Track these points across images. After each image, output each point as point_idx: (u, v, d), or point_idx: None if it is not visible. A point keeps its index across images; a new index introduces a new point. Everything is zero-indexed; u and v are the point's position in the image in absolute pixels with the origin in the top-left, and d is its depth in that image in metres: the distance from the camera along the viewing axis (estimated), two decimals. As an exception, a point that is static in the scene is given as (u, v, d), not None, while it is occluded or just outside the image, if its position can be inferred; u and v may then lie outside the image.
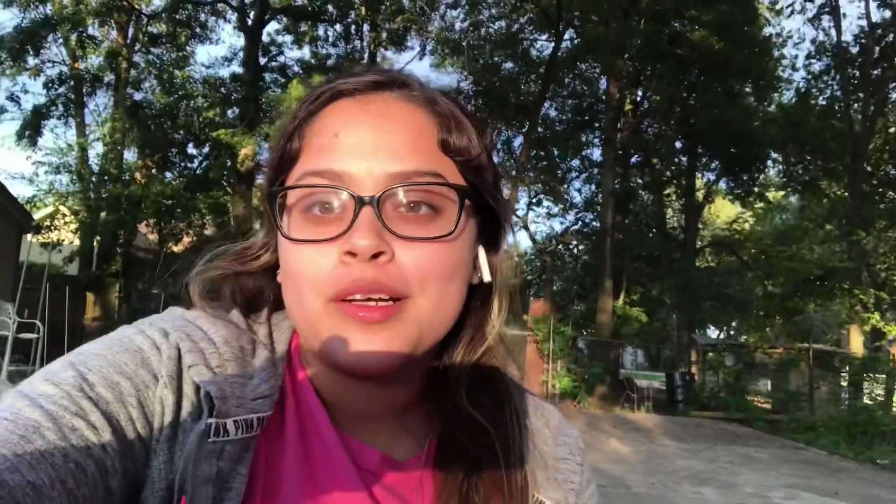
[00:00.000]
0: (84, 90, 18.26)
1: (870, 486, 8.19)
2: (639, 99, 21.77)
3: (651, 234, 22.15)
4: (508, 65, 21.29)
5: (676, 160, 23.15)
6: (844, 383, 15.75)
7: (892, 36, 18.20)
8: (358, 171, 0.53)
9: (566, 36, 19.89)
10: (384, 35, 19.49)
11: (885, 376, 15.80)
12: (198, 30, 19.19)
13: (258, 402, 0.52)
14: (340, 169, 0.53)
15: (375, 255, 0.51)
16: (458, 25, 20.75)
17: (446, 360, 0.60)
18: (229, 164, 18.61)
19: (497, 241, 0.62)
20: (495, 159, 0.61)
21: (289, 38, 19.98)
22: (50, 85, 17.31)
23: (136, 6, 17.65)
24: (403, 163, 0.53)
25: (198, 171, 19.54)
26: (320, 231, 0.53)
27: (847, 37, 19.79)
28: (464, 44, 19.89)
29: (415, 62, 21.31)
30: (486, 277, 0.59)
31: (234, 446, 0.49)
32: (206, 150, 19.58)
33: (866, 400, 14.68)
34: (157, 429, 0.49)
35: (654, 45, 17.83)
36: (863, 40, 18.99)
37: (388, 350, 0.52)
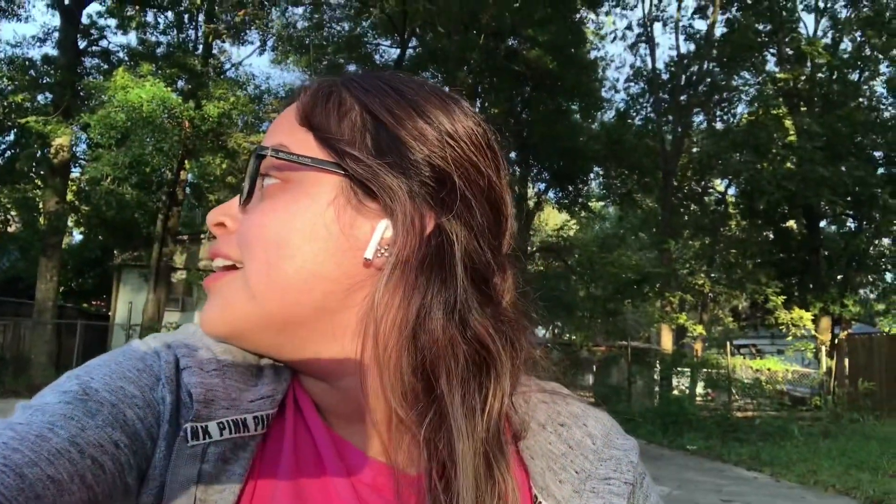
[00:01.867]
0: None
1: (684, 470, 9.15)
2: (477, 110, 22.60)
3: (486, 239, 22.86)
4: (352, 67, 21.21)
5: (510, 170, 24.34)
6: (657, 377, 17.41)
7: (696, 66, 20.49)
8: None
9: (410, 44, 20.21)
10: (222, 27, 18.57)
11: (689, 370, 17.72)
12: (2, 3, 17.06)
13: (258, 402, 0.52)
14: None
15: (222, 229, 0.57)
16: (300, 24, 20.34)
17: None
18: (40, 154, 16.82)
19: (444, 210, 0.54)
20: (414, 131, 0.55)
21: (113, 22, 18.41)
22: None
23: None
24: (265, 142, 0.56)
25: (0, 162, 17.42)
26: None
27: (660, 64, 22.03)
28: (307, 41, 19.51)
29: (254, 56, 20.59)
30: (368, 254, 0.51)
31: (220, 447, 0.49)
32: (10, 137, 17.52)
33: (675, 392, 16.32)
34: (161, 426, 0.49)
35: (492, 60, 18.63)
36: (672, 69, 21.20)
37: (214, 314, 0.54)
